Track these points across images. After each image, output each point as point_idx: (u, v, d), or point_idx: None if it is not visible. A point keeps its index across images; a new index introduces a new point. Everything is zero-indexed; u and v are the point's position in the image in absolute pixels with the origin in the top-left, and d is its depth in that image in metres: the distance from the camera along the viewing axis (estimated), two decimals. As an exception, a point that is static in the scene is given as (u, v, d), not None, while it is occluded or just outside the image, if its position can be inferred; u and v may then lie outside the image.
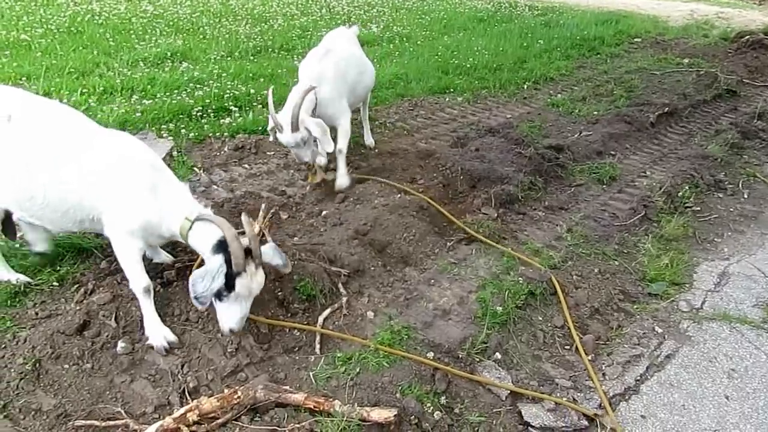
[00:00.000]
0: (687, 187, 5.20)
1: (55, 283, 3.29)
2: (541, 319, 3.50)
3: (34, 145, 2.76)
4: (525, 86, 8.26)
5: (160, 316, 2.98)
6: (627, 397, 2.96)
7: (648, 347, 3.33)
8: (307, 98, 4.16)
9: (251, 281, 2.74)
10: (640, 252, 4.30)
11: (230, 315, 2.79)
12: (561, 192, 5.11)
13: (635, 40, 11.59)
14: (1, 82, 5.85)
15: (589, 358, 3.22)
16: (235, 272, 2.66)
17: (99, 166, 2.78)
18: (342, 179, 4.61)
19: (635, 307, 3.71)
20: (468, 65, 8.60)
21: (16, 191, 2.86)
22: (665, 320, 3.58)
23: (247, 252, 2.71)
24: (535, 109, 7.34)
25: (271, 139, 4.44)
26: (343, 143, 4.60)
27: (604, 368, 3.16)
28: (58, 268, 3.43)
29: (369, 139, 5.65)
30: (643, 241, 4.44)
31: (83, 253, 3.56)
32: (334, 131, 4.57)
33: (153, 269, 3.41)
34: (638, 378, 3.09)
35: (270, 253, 2.87)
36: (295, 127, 4.06)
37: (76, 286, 3.27)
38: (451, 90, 7.70)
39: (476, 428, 2.69)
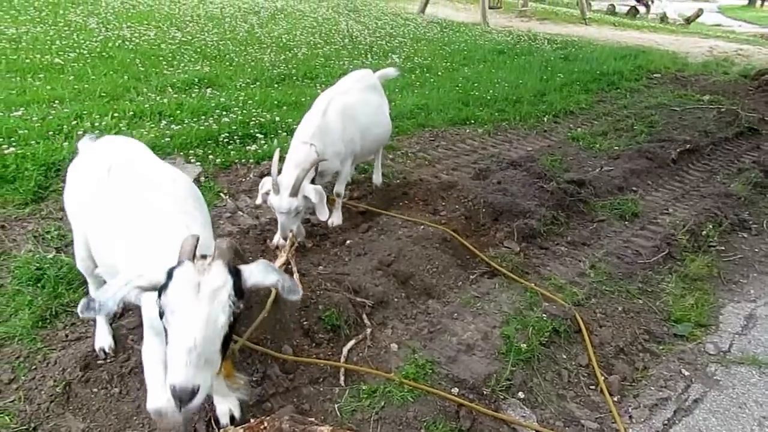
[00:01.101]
0: (711, 226, 5.17)
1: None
2: (565, 357, 3.48)
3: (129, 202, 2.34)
4: (545, 119, 8.32)
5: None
6: (655, 442, 2.91)
7: (675, 390, 3.28)
8: (310, 162, 3.89)
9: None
10: (665, 291, 4.26)
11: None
12: (583, 227, 5.11)
13: (654, 75, 11.66)
14: (35, 103, 6.04)
15: (615, 399, 3.19)
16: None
17: None
18: (336, 219, 4.53)
19: (661, 347, 3.67)
20: (488, 97, 8.70)
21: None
22: (692, 363, 3.54)
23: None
24: (555, 143, 7.38)
25: (258, 201, 3.98)
26: (341, 188, 4.56)
27: (630, 411, 3.11)
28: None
29: (377, 178, 5.38)
30: (666, 280, 4.41)
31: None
32: (334, 175, 4.53)
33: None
34: (666, 422, 3.04)
35: (258, 270, 1.90)
36: (294, 193, 3.73)
37: (105, 308, 3.32)
38: (472, 121, 7.78)
39: (501, 468, 2.66)
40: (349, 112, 4.34)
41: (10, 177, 4.52)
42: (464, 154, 6.70)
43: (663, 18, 23.75)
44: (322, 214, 3.85)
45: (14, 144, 4.92)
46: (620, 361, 3.51)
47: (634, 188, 6.02)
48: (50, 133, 5.33)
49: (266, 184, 3.87)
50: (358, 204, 4.94)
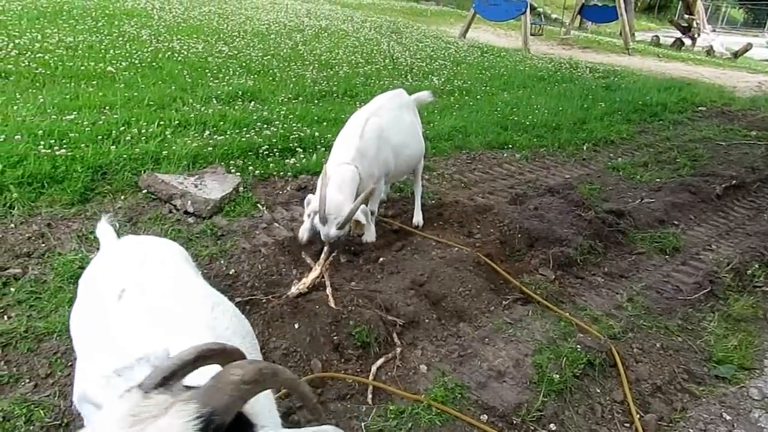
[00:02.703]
0: (757, 265, 4.97)
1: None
2: (599, 391, 3.37)
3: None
4: (584, 147, 8.21)
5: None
6: (692, 488, 2.78)
7: (715, 434, 3.14)
8: (356, 186, 3.87)
9: None
10: (706, 330, 4.10)
11: None
12: (621, 259, 4.98)
13: (699, 108, 11.41)
14: (87, 108, 6.27)
15: (651, 439, 3.06)
16: None
17: None
18: (370, 236, 4.42)
19: (701, 389, 3.51)
20: (527, 123, 8.65)
21: None
22: (734, 407, 3.38)
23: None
24: (594, 172, 7.26)
25: (304, 227, 3.92)
26: (375, 206, 4.44)
27: (667, 452, 2.99)
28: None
29: (418, 218, 4.98)
30: (708, 318, 4.25)
31: (150, 278, 3.68)
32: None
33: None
34: (705, 467, 2.90)
35: None
36: (343, 225, 3.73)
37: (141, 310, 3.39)
38: (510, 146, 7.73)
39: (529, 502, 2.57)
40: (384, 133, 4.28)
41: (59, 177, 4.69)
42: (501, 178, 6.65)
43: (709, 51, 23.30)
44: (370, 236, 3.90)
45: (65, 146, 5.10)
46: (657, 399, 3.38)
47: (675, 222, 5.86)
48: (99, 137, 5.52)
49: (313, 202, 3.83)
50: (393, 222, 4.94)
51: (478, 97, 10.02)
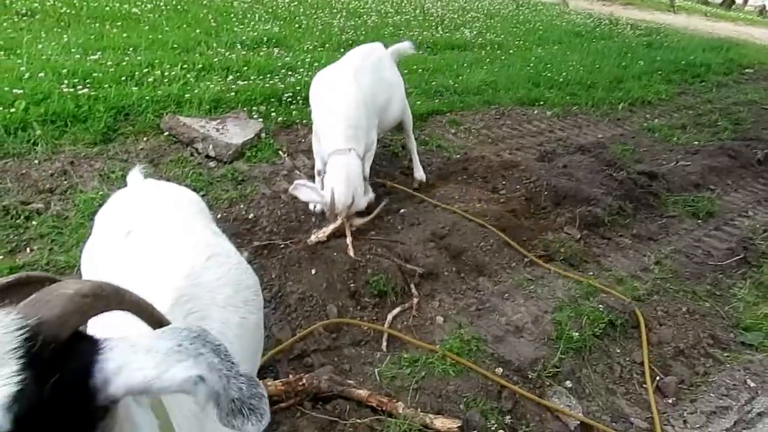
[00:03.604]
0: (795, 234, 4.75)
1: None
2: (619, 351, 3.28)
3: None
4: (619, 107, 7.87)
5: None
6: (710, 452, 2.72)
7: (738, 400, 3.04)
8: (359, 170, 3.69)
9: None
10: (735, 297, 3.95)
11: None
12: (651, 221, 4.80)
13: (747, 70, 10.82)
14: (111, 49, 6.21)
15: (670, 401, 2.99)
16: None
17: None
18: (368, 196, 4.10)
19: (725, 354, 3.40)
20: (560, 79, 8.31)
21: None
22: (759, 374, 3.26)
23: None
24: (628, 132, 6.98)
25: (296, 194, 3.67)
26: (367, 169, 4.05)
27: (685, 415, 2.91)
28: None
29: (419, 173, 4.77)
30: (739, 285, 4.09)
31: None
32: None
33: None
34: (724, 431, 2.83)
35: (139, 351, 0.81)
36: (349, 214, 3.63)
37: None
38: (541, 103, 7.46)
39: (541, 456, 2.54)
40: (368, 99, 3.90)
41: (83, 116, 4.67)
42: (530, 135, 6.44)
43: (762, 11, 21.99)
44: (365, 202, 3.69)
45: (88, 85, 5.07)
46: (679, 363, 3.28)
47: (711, 186, 5.61)
48: (122, 78, 5.47)
49: (303, 191, 3.60)
50: (393, 184, 4.66)
51: (511, 51, 9.65)
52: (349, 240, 3.50)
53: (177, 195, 1.84)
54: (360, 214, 3.72)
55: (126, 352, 0.73)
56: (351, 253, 3.38)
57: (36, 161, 4.12)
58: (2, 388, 0.61)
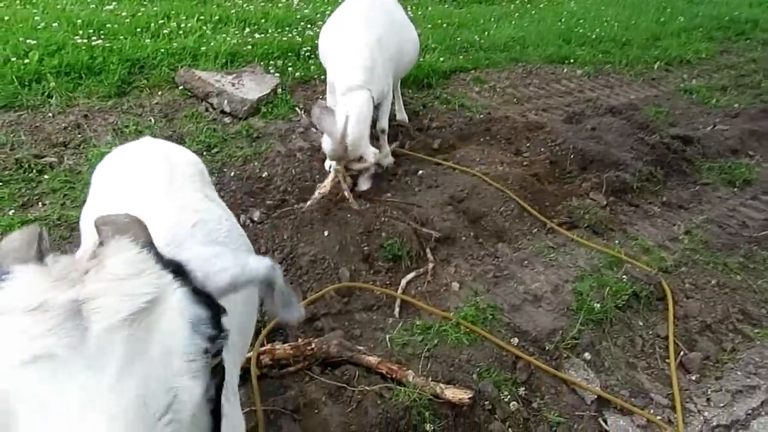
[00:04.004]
0: (838, 205, 4.47)
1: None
2: (642, 324, 3.15)
3: None
4: (655, 66, 7.45)
5: (245, 250, 2.97)
6: (734, 431, 2.60)
7: (766, 379, 2.91)
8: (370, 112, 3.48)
9: None
10: (770, 270, 3.76)
11: None
12: (683, 189, 4.57)
13: (795, 28, 10.13)
14: (126, 0, 6.05)
15: (693, 377, 2.87)
16: None
17: None
18: (387, 159, 4.05)
19: (756, 331, 3.24)
20: (593, 36, 7.89)
21: None
22: (791, 352, 3.11)
23: None
24: (663, 93, 6.61)
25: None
26: (385, 122, 3.98)
27: (709, 393, 2.79)
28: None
29: (402, 115, 4.78)
30: (774, 258, 3.88)
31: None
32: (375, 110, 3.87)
33: (239, 208, 3.39)
34: (750, 412, 2.71)
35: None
36: (357, 154, 3.45)
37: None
38: (571, 61, 7.09)
39: (554, 429, 2.47)
40: (383, 45, 3.70)
41: (97, 69, 4.57)
42: (557, 95, 6.15)
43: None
44: (365, 184, 3.46)
45: (103, 36, 4.96)
46: (705, 338, 3.14)
47: (750, 152, 5.30)
48: (138, 29, 5.34)
49: (328, 138, 3.37)
50: (410, 152, 4.39)
51: (542, 5, 9.18)
52: (347, 193, 3.31)
53: (172, 155, 1.71)
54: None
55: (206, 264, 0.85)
56: (352, 203, 3.23)
57: (50, 114, 4.06)
58: (177, 290, 0.75)
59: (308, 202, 3.30)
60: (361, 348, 2.53)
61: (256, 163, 3.88)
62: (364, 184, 3.55)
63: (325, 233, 3.10)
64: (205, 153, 3.93)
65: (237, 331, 1.47)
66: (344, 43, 3.67)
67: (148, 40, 5.04)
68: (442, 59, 6.17)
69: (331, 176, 3.39)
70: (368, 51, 3.55)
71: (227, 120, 4.42)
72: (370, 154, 3.33)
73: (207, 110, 4.48)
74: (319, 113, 3.30)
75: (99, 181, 1.70)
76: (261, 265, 0.89)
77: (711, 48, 8.37)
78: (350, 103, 3.39)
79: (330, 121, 3.25)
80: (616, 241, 3.70)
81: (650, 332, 3.11)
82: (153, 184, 1.52)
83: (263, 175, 3.75)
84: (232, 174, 3.71)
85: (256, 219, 3.24)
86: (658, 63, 7.51)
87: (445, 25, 7.30)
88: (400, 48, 4.01)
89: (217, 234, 1.46)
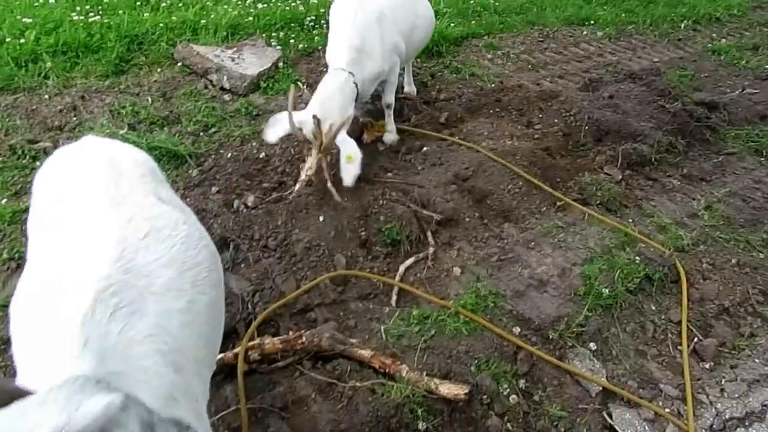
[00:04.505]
0: None
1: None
2: (654, 309, 3.00)
3: None
4: (682, 25, 7.03)
5: (238, 237, 2.90)
6: (747, 424, 2.47)
7: (786, 368, 2.75)
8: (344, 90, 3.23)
9: None
10: (796, 247, 3.54)
11: None
12: (705, 159, 4.32)
13: (837, -22, 9.43)
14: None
15: (707, 366, 2.73)
16: None
17: None
18: (391, 135, 3.88)
19: (777, 314, 3.07)
20: (616, -6, 7.46)
21: None
22: (814, 338, 2.94)
23: None
24: (689, 55, 6.24)
25: (270, 139, 3.24)
26: (391, 97, 3.79)
27: (723, 382, 2.65)
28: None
29: (410, 87, 4.61)
30: (801, 234, 3.65)
31: (177, 159, 3.52)
32: (380, 84, 3.75)
33: (234, 192, 3.30)
34: (766, 403, 2.57)
35: None
36: (328, 149, 3.16)
37: (166, 192, 3.26)
38: (591, 22, 6.73)
39: (556, 423, 2.37)
40: (386, 18, 3.47)
41: (95, 46, 4.47)
42: (575, 59, 5.84)
43: None
44: (391, 136, 3.24)
45: (101, 12, 4.83)
46: (722, 323, 2.98)
47: (781, 118, 4.98)
48: (138, 3, 5.20)
49: (281, 122, 3.16)
50: (406, 125, 4.18)
51: (562, -38, 8.67)
52: (329, 185, 3.04)
53: (117, 156, 1.57)
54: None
55: None
56: (335, 196, 3.03)
57: (46, 96, 3.99)
58: None
59: (296, 186, 3.16)
60: (354, 341, 2.45)
61: (254, 143, 3.77)
62: (345, 179, 3.09)
63: (321, 218, 3.00)
64: (202, 133, 3.83)
65: (203, 344, 1.38)
66: (339, 19, 3.49)
67: (146, 15, 4.89)
68: (453, 25, 5.90)
69: (312, 156, 3.19)
70: (359, 30, 3.34)
71: (227, 97, 4.30)
72: (343, 137, 3.08)
73: (206, 87, 4.36)
74: (272, 132, 3.20)
75: (39, 189, 1.58)
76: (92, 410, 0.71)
77: (743, 3, 7.85)
78: (323, 82, 3.24)
79: (278, 127, 3.16)
80: (630, 219, 3.52)
81: (663, 317, 2.97)
82: (96, 192, 1.39)
83: (261, 156, 3.64)
84: (229, 155, 3.61)
85: (250, 204, 3.15)
86: (685, 22, 7.08)
87: (457, -14, 6.96)
88: (413, 24, 3.79)
89: (173, 242, 1.36)
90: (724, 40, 6.73)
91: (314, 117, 3.00)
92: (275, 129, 3.17)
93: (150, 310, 1.18)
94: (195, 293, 1.33)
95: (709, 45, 6.50)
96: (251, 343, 2.36)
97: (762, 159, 4.40)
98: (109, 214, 1.33)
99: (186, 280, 1.32)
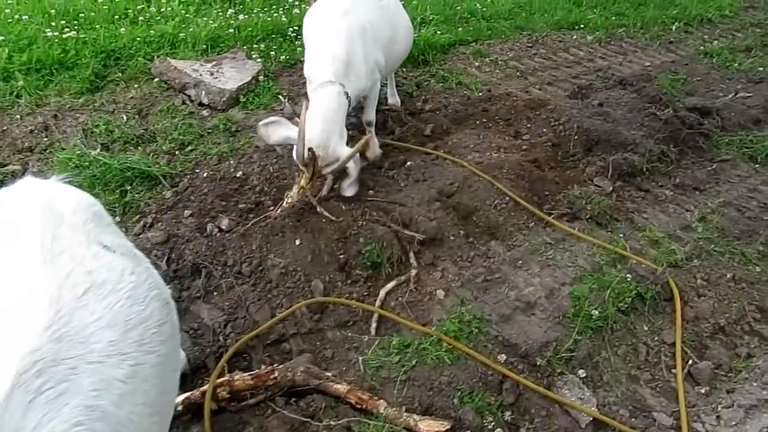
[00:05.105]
0: None
1: (118, 210, 3.18)
2: (647, 329, 2.88)
3: None
4: (673, 27, 6.93)
5: (211, 263, 2.77)
6: (745, 454, 2.35)
7: (785, 391, 2.63)
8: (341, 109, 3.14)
9: None
10: (793, 259, 3.42)
11: None
12: (698, 168, 4.20)
13: (829, -24, 9.35)
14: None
15: (702, 390, 2.61)
16: None
17: None
18: (375, 149, 3.71)
19: (775, 332, 2.95)
20: (606, -4, 7.37)
21: None
22: (814, 357, 2.82)
23: None
24: (681, 58, 6.13)
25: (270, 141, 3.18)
26: (371, 114, 3.68)
27: (719, 409, 2.53)
28: (127, 192, 3.31)
29: (394, 98, 4.47)
30: (798, 244, 3.54)
31: (150, 180, 3.40)
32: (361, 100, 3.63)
33: (208, 215, 3.18)
34: (764, 430, 2.44)
35: None
36: (335, 171, 3.13)
37: (137, 216, 3.14)
38: (581, 26, 6.62)
39: (543, 458, 2.25)
40: (368, 33, 3.35)
41: (70, 63, 4.35)
42: (565, 65, 5.73)
43: None
44: (350, 190, 3.10)
45: (77, 27, 4.71)
46: (717, 343, 2.86)
47: (775, 123, 4.87)
48: (116, 17, 5.08)
49: (283, 127, 3.08)
50: (390, 139, 4.07)
51: (552, -35, 8.58)
52: (319, 209, 2.99)
53: (56, 201, 1.43)
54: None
55: None
56: (324, 213, 2.96)
57: (18, 116, 3.87)
58: None
59: (277, 210, 3.05)
60: (329, 374, 2.33)
61: (231, 161, 3.65)
62: (347, 190, 3.12)
63: (297, 242, 2.87)
64: (178, 152, 3.71)
65: (150, 412, 1.24)
66: (320, 31, 3.36)
67: (123, 29, 4.77)
68: (440, 32, 5.79)
69: (302, 183, 3.09)
70: (344, 42, 3.21)
71: (205, 113, 4.18)
72: (344, 154, 3.01)
73: (184, 103, 4.24)
74: (265, 131, 3.07)
75: None
76: None
77: (735, 4, 7.77)
78: (317, 99, 3.08)
79: (283, 131, 3.02)
80: (621, 234, 3.40)
81: (656, 338, 2.84)
82: (28, 245, 1.25)
83: (238, 175, 3.51)
84: (205, 175, 3.49)
85: (224, 227, 3.02)
86: (677, 24, 6.98)
87: (444, -7, 6.86)
88: (392, 37, 3.66)
89: (116, 297, 1.23)
90: (716, 41, 6.63)
91: (309, 150, 2.88)
92: (275, 130, 3.06)
93: (83, 386, 1.04)
94: (141, 354, 1.19)
95: (701, 47, 6.40)
96: (220, 380, 2.23)
97: (756, 166, 4.29)
98: (43, 271, 1.18)
99: (130, 341, 1.18)
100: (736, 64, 5.88)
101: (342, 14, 3.30)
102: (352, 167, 3.05)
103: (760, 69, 5.75)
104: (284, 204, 2.99)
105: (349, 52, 3.21)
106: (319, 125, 2.97)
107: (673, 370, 2.70)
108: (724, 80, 5.56)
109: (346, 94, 3.13)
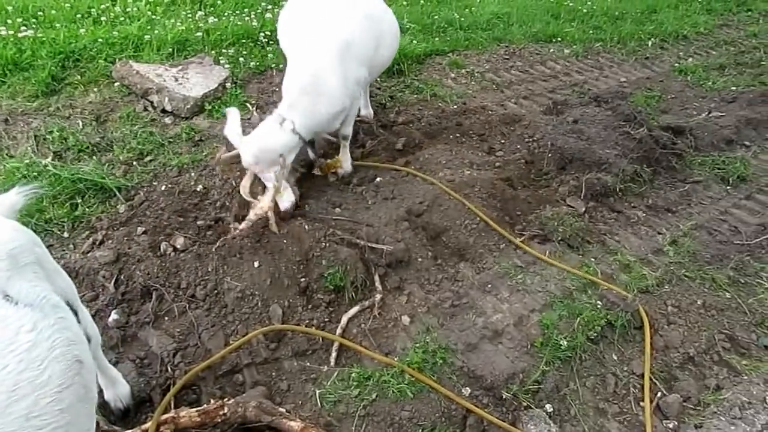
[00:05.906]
0: (842, 206, 4.08)
1: (67, 225, 2.99)
2: (616, 359, 2.81)
3: None
4: (649, 43, 6.96)
5: (162, 285, 2.61)
6: (712, 495, 2.28)
7: (753, 425, 2.57)
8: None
9: None
10: (762, 286, 3.39)
11: None
12: (671, 188, 4.17)
13: (800, -3, 9.54)
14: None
15: (671, 425, 2.54)
16: None
17: None
18: (346, 165, 3.64)
19: (744, 362, 2.90)
20: (584, 10, 7.38)
21: None
22: (782, 389, 2.78)
23: None
24: (656, 74, 6.15)
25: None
26: (348, 129, 3.56)
27: (687, 445, 2.47)
28: (77, 205, 3.12)
29: (367, 110, 4.30)
30: (768, 270, 3.52)
31: (104, 192, 3.21)
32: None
33: (164, 232, 3.01)
34: (732, 468, 2.39)
35: None
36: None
37: (87, 232, 2.95)
38: (559, 39, 6.60)
39: (506, 500, 2.15)
40: (351, 48, 3.18)
41: (25, 64, 4.13)
42: (541, 79, 5.69)
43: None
44: (345, 166, 3.16)
45: (35, 25, 4.49)
46: (687, 373, 2.80)
47: (746, 143, 4.88)
48: (78, 15, 4.86)
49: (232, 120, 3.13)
50: (361, 156, 3.94)
51: (531, -24, 8.57)
52: (274, 228, 2.90)
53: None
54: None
55: None
56: (273, 227, 2.89)
57: (-35, 120, 3.64)
58: None
59: (242, 224, 2.91)
60: (283, 410, 2.19)
61: (192, 173, 3.48)
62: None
63: (256, 264, 2.73)
64: (135, 162, 3.53)
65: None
66: (293, 45, 3.21)
67: (84, 29, 4.56)
68: (416, 42, 5.69)
69: (269, 192, 2.98)
70: (313, 67, 3.07)
71: (167, 120, 4.00)
72: (286, 195, 2.98)
73: (146, 109, 4.05)
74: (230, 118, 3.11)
75: None
76: None
77: (709, 21, 7.85)
78: (263, 124, 3.08)
79: (233, 130, 3.06)
80: (593, 258, 3.33)
81: (625, 369, 2.77)
82: None
83: (198, 189, 3.35)
84: (163, 188, 3.32)
85: (179, 246, 2.86)
86: (653, 39, 7.01)
87: (422, 1, 6.78)
88: (377, 45, 3.43)
89: (3, 363, 1.07)
90: (690, 59, 6.68)
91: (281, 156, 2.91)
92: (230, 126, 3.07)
93: None
94: (35, 430, 1.04)
95: (676, 64, 6.42)
96: (164, 417, 2.08)
97: (728, 188, 4.28)
98: None
99: (15, 415, 1.03)
100: (709, 83, 5.91)
101: (321, 29, 3.12)
102: (287, 203, 3.01)
103: (733, 88, 5.79)
104: (252, 216, 2.85)
105: (318, 78, 3.05)
106: (255, 149, 2.98)
107: (642, 403, 2.63)
108: (697, 98, 5.57)
109: (297, 134, 3.02)
